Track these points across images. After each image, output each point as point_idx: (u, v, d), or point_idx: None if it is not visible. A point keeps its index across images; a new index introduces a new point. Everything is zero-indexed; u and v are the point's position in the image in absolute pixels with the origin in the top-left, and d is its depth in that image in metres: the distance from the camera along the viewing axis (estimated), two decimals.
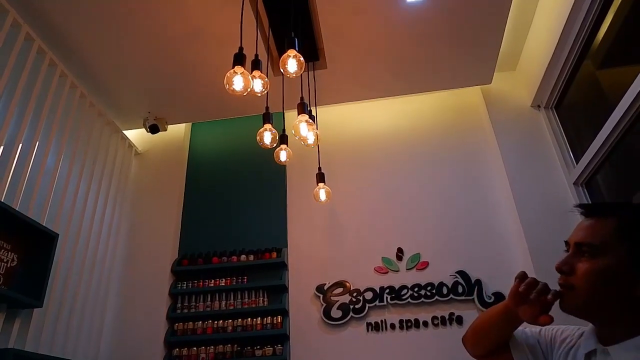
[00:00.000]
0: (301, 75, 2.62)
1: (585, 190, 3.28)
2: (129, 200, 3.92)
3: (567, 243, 0.94)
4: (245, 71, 2.30)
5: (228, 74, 2.28)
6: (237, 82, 2.29)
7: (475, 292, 3.28)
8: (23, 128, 2.80)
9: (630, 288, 0.83)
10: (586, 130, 3.27)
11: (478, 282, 3.31)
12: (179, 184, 4.02)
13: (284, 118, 3.35)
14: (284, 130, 3.03)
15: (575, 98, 3.42)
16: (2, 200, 2.52)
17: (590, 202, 0.78)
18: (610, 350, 0.87)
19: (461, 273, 3.35)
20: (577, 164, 3.30)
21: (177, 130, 4.20)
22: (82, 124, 3.40)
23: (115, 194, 3.73)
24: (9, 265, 2.64)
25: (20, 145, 2.78)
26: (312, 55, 3.44)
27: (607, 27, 2.80)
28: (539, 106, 3.74)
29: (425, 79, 3.73)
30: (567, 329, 1.05)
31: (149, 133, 3.84)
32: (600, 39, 2.90)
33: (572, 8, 2.84)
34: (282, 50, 3.40)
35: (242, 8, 2.57)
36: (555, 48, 3.14)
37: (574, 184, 3.31)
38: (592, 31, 2.92)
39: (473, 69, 3.64)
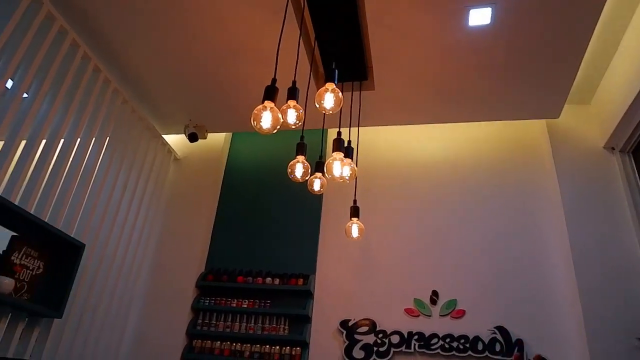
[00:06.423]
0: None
1: None
2: (163, 207, 3.89)
3: None
4: (274, 107, 2.11)
5: (256, 110, 2.11)
6: (265, 120, 2.12)
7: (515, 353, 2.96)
8: (63, 129, 2.84)
9: None
10: None
11: (519, 341, 2.98)
12: (213, 194, 3.94)
13: (323, 140, 3.16)
14: (320, 156, 2.83)
15: None
16: (34, 209, 2.59)
17: None
18: None
19: (500, 329, 3.04)
20: None
21: (217, 139, 4.11)
22: (122, 128, 3.39)
23: (149, 199, 3.70)
24: (34, 273, 2.66)
25: (60, 144, 2.85)
26: (359, 73, 3.20)
27: None
28: (613, 148, 3.28)
29: (482, 108, 3.38)
30: None
31: (188, 141, 3.77)
32: None
33: None
34: (327, 63, 3.20)
35: (283, 25, 2.38)
36: None
37: None
38: None
39: (540, 101, 3.25)
